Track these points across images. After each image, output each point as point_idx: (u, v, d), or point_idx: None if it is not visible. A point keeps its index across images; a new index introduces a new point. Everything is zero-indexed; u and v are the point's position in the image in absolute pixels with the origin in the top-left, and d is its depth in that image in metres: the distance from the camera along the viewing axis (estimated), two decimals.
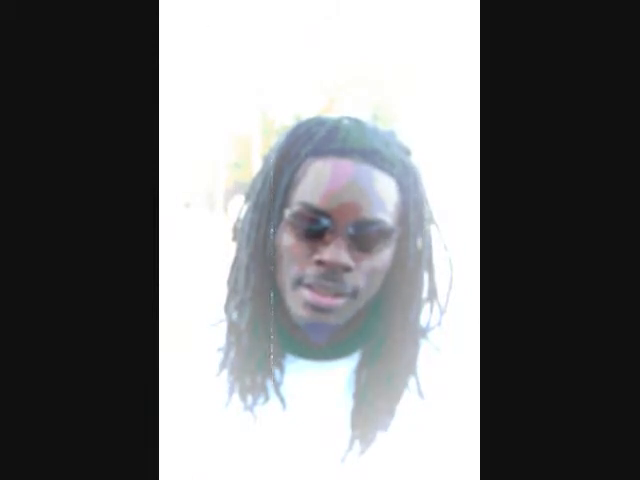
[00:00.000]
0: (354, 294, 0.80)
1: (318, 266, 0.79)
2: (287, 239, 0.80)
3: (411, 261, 0.84)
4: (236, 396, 0.86)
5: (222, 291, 0.88)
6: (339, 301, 0.79)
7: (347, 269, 0.79)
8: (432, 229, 0.86)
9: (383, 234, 0.80)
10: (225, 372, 0.88)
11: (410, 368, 0.86)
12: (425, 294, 0.86)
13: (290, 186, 0.81)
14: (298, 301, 0.80)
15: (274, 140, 0.87)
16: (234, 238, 0.88)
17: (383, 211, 0.80)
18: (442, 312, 0.88)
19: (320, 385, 0.86)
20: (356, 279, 0.80)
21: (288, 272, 0.81)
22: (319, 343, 0.87)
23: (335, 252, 0.78)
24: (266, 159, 0.85)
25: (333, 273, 0.78)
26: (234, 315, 0.86)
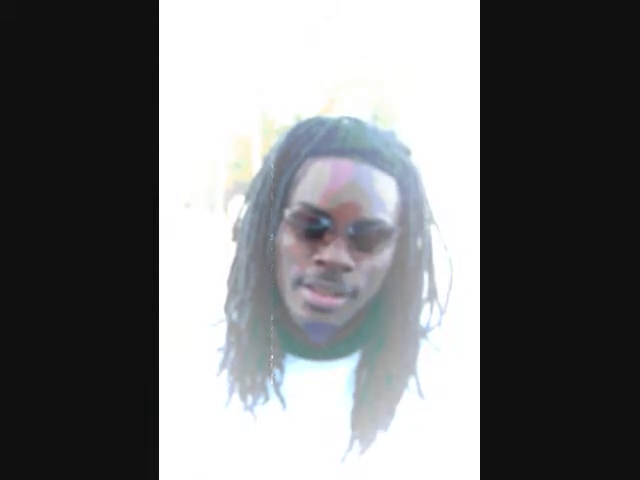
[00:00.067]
0: (354, 294, 0.80)
1: (318, 266, 0.79)
2: (287, 239, 0.80)
3: (411, 261, 0.84)
4: (236, 396, 0.86)
5: (222, 291, 0.88)
6: (339, 301, 0.79)
7: (347, 269, 0.79)
8: (432, 229, 0.86)
9: (383, 234, 0.80)
10: (225, 372, 0.88)
11: (410, 368, 0.86)
12: (425, 294, 0.87)
13: (290, 186, 0.81)
14: (298, 301, 0.80)
15: (274, 140, 0.87)
16: (234, 238, 0.88)
17: (383, 211, 0.80)
18: (442, 312, 0.88)
19: (320, 385, 0.86)
20: (356, 279, 0.80)
21: (288, 272, 0.81)
22: (319, 343, 0.87)
23: (335, 252, 0.78)
24: (266, 159, 0.85)
25: (333, 273, 0.78)
26: (234, 315, 0.86)
